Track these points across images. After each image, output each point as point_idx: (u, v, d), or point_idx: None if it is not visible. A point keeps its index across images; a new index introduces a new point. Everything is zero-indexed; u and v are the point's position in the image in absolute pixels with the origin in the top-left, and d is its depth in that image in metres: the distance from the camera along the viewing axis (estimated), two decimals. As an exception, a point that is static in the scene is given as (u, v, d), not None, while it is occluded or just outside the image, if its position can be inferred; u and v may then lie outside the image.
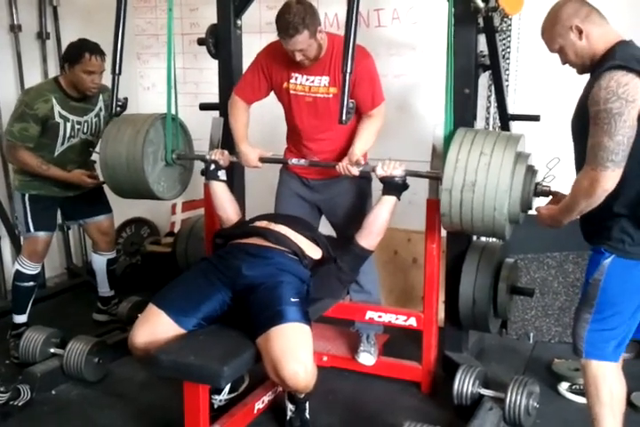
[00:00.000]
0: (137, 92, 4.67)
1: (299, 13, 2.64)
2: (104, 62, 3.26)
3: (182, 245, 3.64)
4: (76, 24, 4.42)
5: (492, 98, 3.57)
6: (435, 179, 2.78)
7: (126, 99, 3.09)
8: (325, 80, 2.87)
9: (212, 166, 3.01)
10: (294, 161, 3.01)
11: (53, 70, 4.24)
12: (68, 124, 3.32)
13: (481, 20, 2.79)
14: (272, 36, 2.83)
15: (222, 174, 3.02)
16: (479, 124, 3.27)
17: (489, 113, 3.68)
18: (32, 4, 4.21)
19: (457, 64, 2.77)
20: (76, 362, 2.99)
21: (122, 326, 3.43)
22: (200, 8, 4.42)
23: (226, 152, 3.05)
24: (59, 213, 3.62)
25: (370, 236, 2.79)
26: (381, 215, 2.78)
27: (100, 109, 3.46)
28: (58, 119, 3.27)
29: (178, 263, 3.62)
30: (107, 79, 3.14)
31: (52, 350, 3.12)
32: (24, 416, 2.81)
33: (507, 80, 3.53)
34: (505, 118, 3.20)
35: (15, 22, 4.07)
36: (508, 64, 3.60)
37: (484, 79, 3.37)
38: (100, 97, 3.44)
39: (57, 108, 3.25)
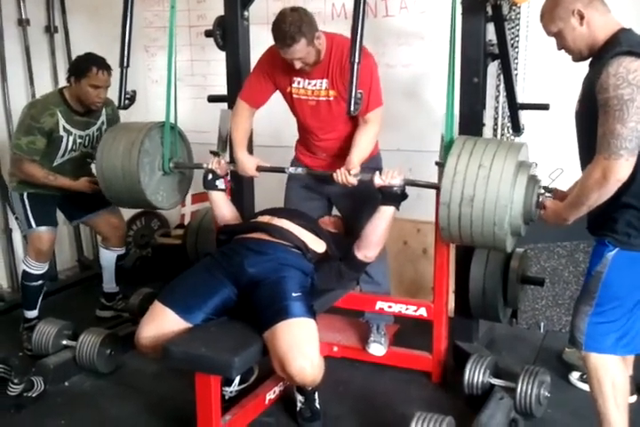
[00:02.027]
0: (145, 84, 4.68)
1: (294, 22, 2.60)
2: (110, 77, 3.26)
3: (192, 237, 3.65)
4: (84, 17, 4.42)
5: (501, 87, 3.56)
6: (434, 188, 2.71)
7: (134, 92, 3.08)
8: (325, 83, 2.85)
9: (210, 176, 2.99)
10: (292, 170, 2.99)
11: (62, 64, 4.25)
12: (71, 138, 3.32)
13: (489, 9, 2.77)
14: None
15: (220, 183, 3.01)
16: (488, 113, 3.26)
17: (498, 102, 3.67)
18: (39, -2, 4.21)
19: (465, 53, 2.76)
20: (88, 354, 3.01)
21: (133, 318, 3.44)
22: (207, 0, 4.42)
23: (223, 161, 3.04)
24: (59, 213, 3.59)
25: (368, 246, 2.77)
26: (379, 226, 2.74)
27: (103, 123, 3.45)
28: (62, 133, 3.27)
29: (188, 255, 3.64)
30: (113, 81, 3.15)
31: (64, 343, 3.14)
32: (38, 408, 2.83)
33: (516, 69, 3.51)
34: (514, 107, 3.18)
35: (23, 16, 4.07)
36: (517, 53, 3.58)
37: (493, 68, 3.36)
38: (104, 111, 3.43)
39: (62, 122, 3.24)
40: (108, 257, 3.73)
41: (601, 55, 2.05)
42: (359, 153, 2.82)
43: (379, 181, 2.72)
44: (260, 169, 3.02)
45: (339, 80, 2.80)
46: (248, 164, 3.01)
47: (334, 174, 2.80)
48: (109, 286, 3.80)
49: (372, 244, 2.77)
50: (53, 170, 3.34)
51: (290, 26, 2.60)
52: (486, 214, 2.39)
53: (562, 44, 2.19)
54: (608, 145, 1.96)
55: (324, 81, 2.85)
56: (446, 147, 2.69)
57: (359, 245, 2.79)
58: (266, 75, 2.95)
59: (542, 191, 2.47)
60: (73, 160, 3.42)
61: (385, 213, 2.74)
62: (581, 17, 2.09)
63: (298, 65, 2.73)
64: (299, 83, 2.90)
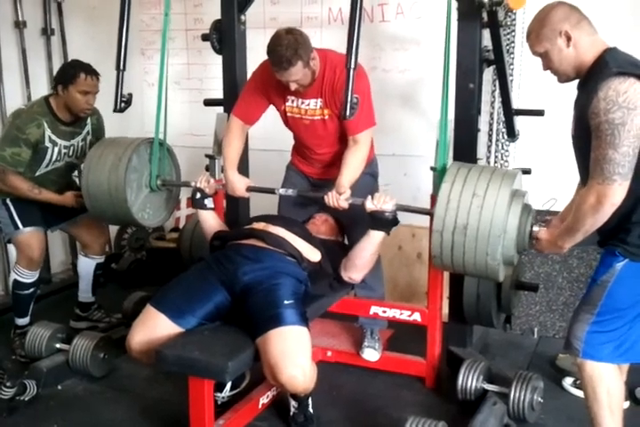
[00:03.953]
0: (141, 88, 4.69)
1: (291, 45, 2.57)
2: (99, 82, 3.22)
3: (187, 241, 3.64)
4: (81, 20, 4.43)
5: (497, 93, 3.56)
6: (427, 214, 2.69)
7: (130, 95, 3.08)
8: (319, 102, 2.83)
9: (198, 195, 2.97)
10: (282, 191, 2.96)
11: (58, 67, 4.22)
12: (56, 149, 3.26)
13: (485, 15, 2.78)
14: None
15: (209, 202, 2.99)
16: (483, 118, 3.26)
17: (493, 108, 3.67)
18: (36, 0, 4.21)
19: (461, 59, 2.77)
20: (81, 357, 3.00)
21: (127, 322, 3.43)
22: (204, 3, 4.45)
23: (212, 179, 3.02)
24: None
25: (353, 269, 2.78)
26: (366, 250, 2.73)
27: (88, 133, 3.40)
28: (47, 144, 3.21)
29: (183, 259, 3.63)
30: (109, 84, 3.13)
31: (57, 346, 3.13)
32: (30, 411, 2.82)
33: (511, 75, 3.52)
34: (509, 113, 3.19)
35: (20, 19, 4.07)
36: (513, 59, 3.59)
37: (489, 74, 3.37)
38: (89, 120, 3.39)
39: (48, 133, 3.19)
40: (87, 265, 3.62)
41: (589, 77, 2.03)
42: (349, 175, 2.79)
43: (370, 205, 2.69)
44: (249, 189, 3.01)
45: (332, 99, 2.79)
46: (238, 184, 2.98)
47: (325, 197, 2.78)
48: (85, 295, 3.67)
49: (357, 267, 2.78)
50: (35, 180, 3.27)
51: (286, 49, 2.57)
52: (479, 244, 2.36)
53: (548, 66, 2.16)
54: (601, 170, 1.94)
55: (319, 100, 2.83)
56: (439, 171, 2.68)
57: (345, 265, 2.79)
58: (259, 91, 2.92)
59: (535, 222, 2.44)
60: (56, 170, 3.36)
61: (374, 237, 2.72)
62: (568, 38, 2.05)
63: (293, 87, 2.72)
64: (292, 101, 2.88)
